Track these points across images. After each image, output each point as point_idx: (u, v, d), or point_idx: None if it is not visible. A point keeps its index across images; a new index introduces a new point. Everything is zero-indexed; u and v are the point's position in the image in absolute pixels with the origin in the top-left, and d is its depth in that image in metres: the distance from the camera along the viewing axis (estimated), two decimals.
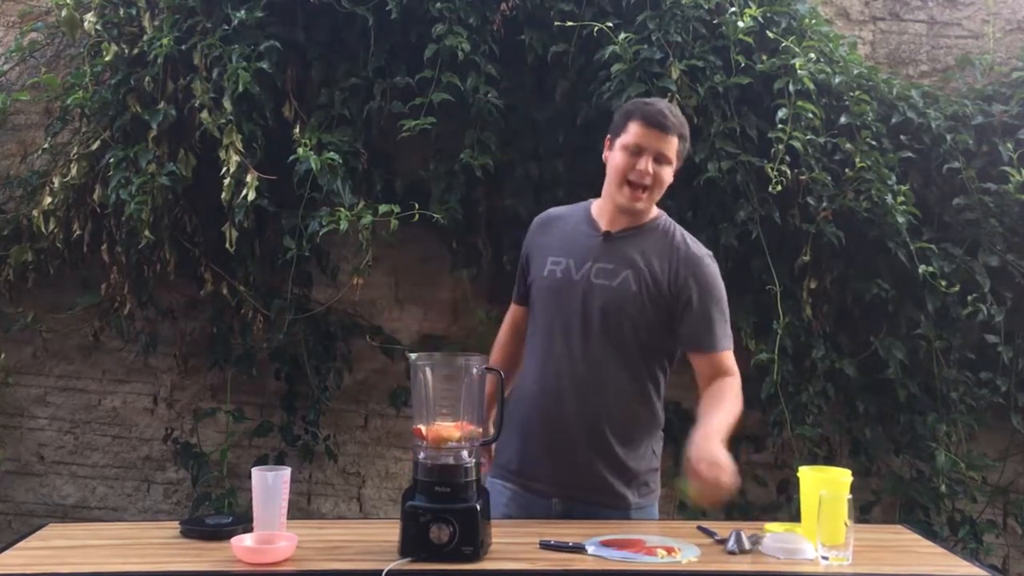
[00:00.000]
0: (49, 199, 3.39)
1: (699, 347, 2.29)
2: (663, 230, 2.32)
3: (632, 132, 2.23)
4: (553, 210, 2.50)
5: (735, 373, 2.33)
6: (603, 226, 2.31)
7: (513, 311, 2.51)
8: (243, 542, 1.90)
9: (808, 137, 3.18)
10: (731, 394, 2.27)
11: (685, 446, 2.09)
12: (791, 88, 3.15)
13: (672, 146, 2.23)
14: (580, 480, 2.27)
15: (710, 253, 2.33)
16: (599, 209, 2.35)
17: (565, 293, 2.27)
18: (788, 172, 3.15)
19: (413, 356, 2.04)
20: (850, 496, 1.93)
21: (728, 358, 2.32)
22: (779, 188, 3.13)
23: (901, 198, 3.20)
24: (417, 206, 3.20)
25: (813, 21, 3.35)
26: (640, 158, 2.21)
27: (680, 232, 2.33)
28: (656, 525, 2.34)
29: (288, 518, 2.01)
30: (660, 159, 2.22)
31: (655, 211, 2.34)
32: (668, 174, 2.25)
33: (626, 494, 2.29)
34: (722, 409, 2.21)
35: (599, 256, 2.27)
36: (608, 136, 2.34)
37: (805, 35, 3.28)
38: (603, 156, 2.35)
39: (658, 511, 2.42)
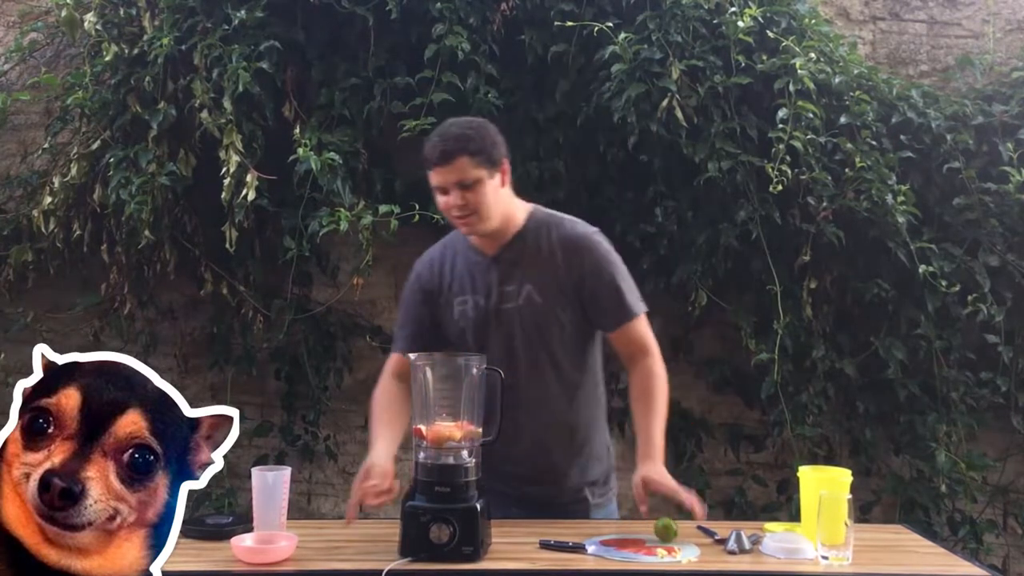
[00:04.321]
0: (49, 199, 3.39)
1: (612, 324, 2.26)
2: (538, 229, 2.27)
3: (432, 177, 2.20)
4: (431, 252, 2.39)
5: (652, 346, 2.28)
6: (486, 251, 2.27)
7: (400, 362, 2.30)
8: (243, 542, 1.90)
9: (808, 137, 3.18)
10: (660, 390, 2.25)
11: (635, 470, 2.15)
12: (791, 88, 3.15)
13: (463, 168, 2.14)
14: (545, 495, 2.29)
15: (595, 229, 2.31)
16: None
17: (481, 328, 2.23)
18: (788, 172, 3.15)
19: (413, 356, 2.03)
20: (850, 496, 1.93)
21: (641, 324, 2.27)
22: (779, 188, 3.13)
23: (901, 198, 3.20)
24: (417, 206, 3.19)
25: (813, 21, 3.35)
26: (448, 195, 2.17)
27: (555, 222, 2.28)
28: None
29: (288, 518, 2.01)
30: (464, 186, 2.14)
31: (523, 212, 2.29)
32: (482, 192, 2.16)
33: (586, 496, 2.31)
34: (657, 417, 2.22)
35: (496, 281, 2.24)
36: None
37: (805, 35, 3.28)
38: None
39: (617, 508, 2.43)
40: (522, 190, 3.31)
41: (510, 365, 2.17)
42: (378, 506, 2.10)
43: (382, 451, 2.14)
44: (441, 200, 2.20)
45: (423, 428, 1.96)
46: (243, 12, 3.22)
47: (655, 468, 2.14)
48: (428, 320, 2.32)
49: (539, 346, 2.23)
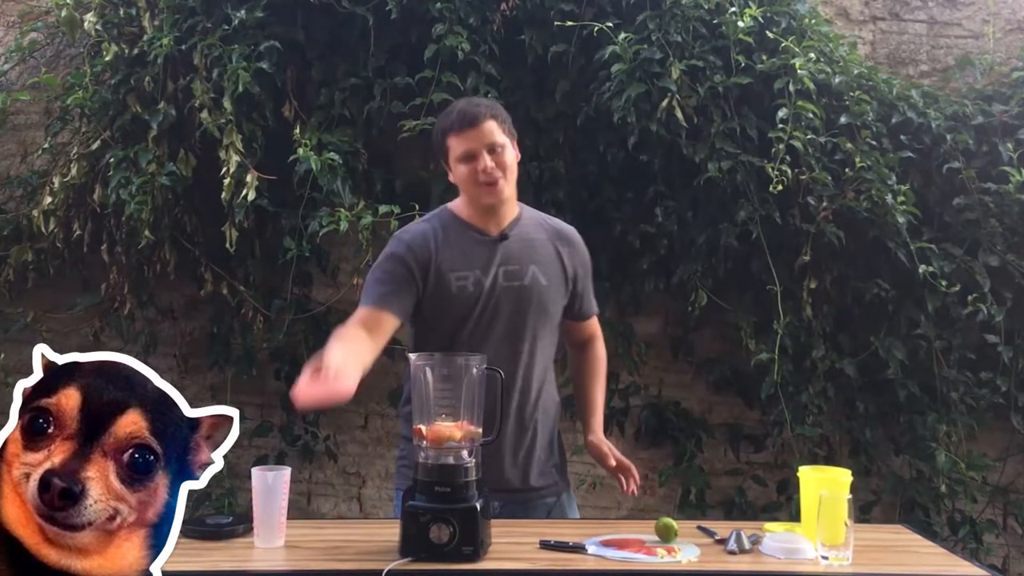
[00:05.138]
0: (49, 199, 3.40)
1: (585, 316, 2.44)
2: (532, 218, 2.37)
3: (455, 145, 2.22)
4: (417, 228, 2.32)
5: (599, 332, 2.52)
6: (488, 230, 2.28)
7: (370, 315, 2.19)
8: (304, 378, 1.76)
9: (808, 137, 3.18)
10: (603, 368, 2.50)
11: (586, 445, 2.41)
12: (791, 88, 3.15)
13: (493, 131, 2.22)
14: (522, 476, 2.31)
15: (573, 228, 2.44)
16: (471, 215, 2.29)
17: (482, 304, 2.24)
18: (788, 172, 3.15)
19: (413, 356, 2.03)
20: (850, 496, 1.93)
21: (597, 328, 2.52)
22: (779, 188, 3.13)
23: (901, 198, 3.19)
24: (417, 206, 3.20)
25: (813, 21, 3.35)
26: (477, 160, 2.20)
27: (544, 216, 2.42)
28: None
29: (288, 518, 2.01)
30: (492, 148, 2.21)
31: (516, 202, 2.35)
32: (508, 156, 2.24)
33: (558, 480, 2.38)
34: (601, 393, 2.47)
35: (500, 260, 2.26)
36: (443, 163, 2.31)
37: (805, 35, 3.28)
38: (451, 180, 2.31)
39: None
40: (522, 190, 3.33)
41: (515, 343, 2.24)
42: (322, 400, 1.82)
43: (338, 353, 1.88)
44: (465, 168, 2.21)
45: (423, 428, 1.96)
46: (243, 12, 3.22)
47: (602, 438, 2.38)
48: (409, 289, 2.22)
49: (543, 325, 2.30)
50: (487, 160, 2.20)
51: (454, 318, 2.24)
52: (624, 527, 2.16)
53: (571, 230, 2.41)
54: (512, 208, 2.32)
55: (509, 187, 2.25)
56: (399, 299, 2.22)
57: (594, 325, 2.49)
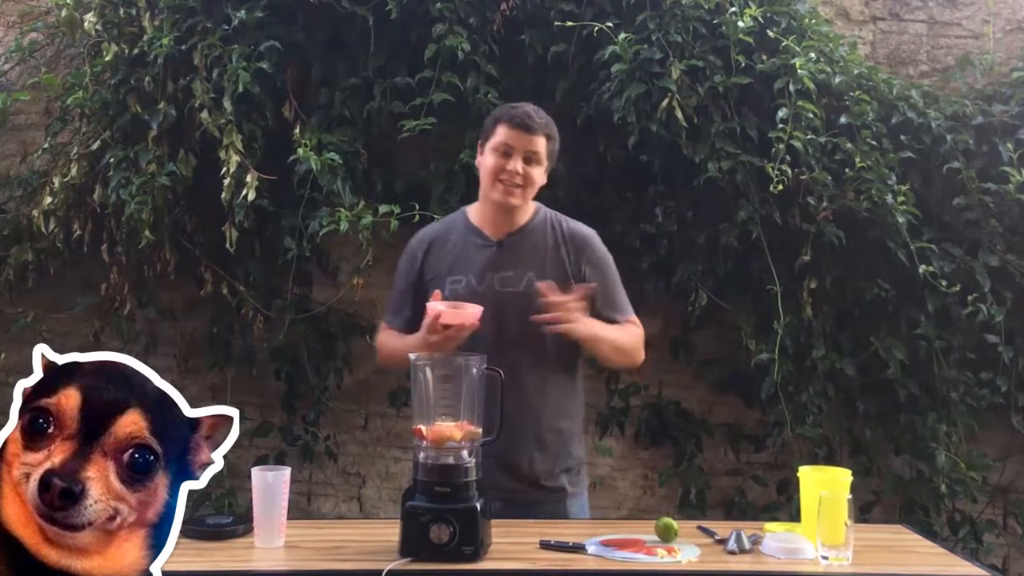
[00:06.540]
0: (49, 199, 3.39)
1: (603, 317, 2.35)
2: (543, 222, 2.40)
3: (500, 134, 2.30)
4: (428, 229, 2.51)
5: (639, 332, 2.43)
6: (490, 235, 2.36)
7: (387, 332, 2.48)
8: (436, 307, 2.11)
9: (808, 137, 3.18)
10: (620, 330, 2.38)
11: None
12: (791, 88, 3.15)
13: (540, 145, 2.30)
14: (518, 481, 2.31)
15: (592, 231, 2.45)
16: (480, 217, 2.40)
17: None
18: (788, 172, 3.15)
19: (413, 356, 2.04)
20: (850, 496, 1.93)
21: (633, 322, 2.43)
22: (779, 188, 3.13)
23: (901, 198, 3.20)
24: (417, 206, 3.20)
25: (813, 21, 3.35)
26: (510, 159, 2.28)
27: (559, 218, 2.43)
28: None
29: (288, 518, 2.01)
30: (529, 159, 2.30)
31: (532, 206, 2.41)
32: (539, 173, 2.33)
33: (564, 484, 2.36)
34: (612, 328, 2.35)
35: (496, 266, 2.33)
36: (479, 141, 2.40)
37: (805, 35, 3.28)
38: (476, 161, 2.41)
39: (587, 498, 2.48)
40: None
41: (499, 349, 2.19)
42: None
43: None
44: (497, 161, 2.29)
45: (423, 428, 1.96)
46: (243, 12, 3.22)
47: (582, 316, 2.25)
48: (408, 298, 2.41)
49: (534, 332, 2.26)
50: (519, 164, 2.28)
51: None
52: (624, 527, 2.16)
53: (585, 232, 2.42)
54: (522, 215, 2.37)
55: (523, 200, 2.32)
56: (402, 313, 2.44)
57: None
